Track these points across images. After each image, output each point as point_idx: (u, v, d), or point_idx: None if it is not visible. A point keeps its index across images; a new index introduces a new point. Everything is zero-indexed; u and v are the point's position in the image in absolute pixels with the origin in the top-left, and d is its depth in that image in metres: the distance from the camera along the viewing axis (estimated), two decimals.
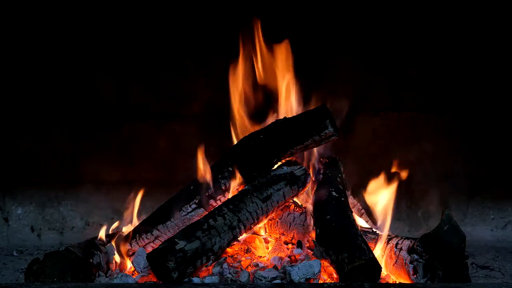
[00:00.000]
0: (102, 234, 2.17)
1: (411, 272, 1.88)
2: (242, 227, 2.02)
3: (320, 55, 2.94)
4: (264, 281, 1.85)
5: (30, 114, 3.01)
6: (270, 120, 2.33)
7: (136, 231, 2.20)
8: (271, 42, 2.46)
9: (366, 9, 2.98)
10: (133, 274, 2.05)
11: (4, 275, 2.43)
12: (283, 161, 2.28)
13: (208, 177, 2.18)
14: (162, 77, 3.03)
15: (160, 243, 2.02)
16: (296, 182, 2.21)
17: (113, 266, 2.10)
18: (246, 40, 2.49)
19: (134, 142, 3.05)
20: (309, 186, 2.28)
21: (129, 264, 2.16)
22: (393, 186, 2.26)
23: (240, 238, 2.10)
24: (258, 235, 2.25)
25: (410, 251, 1.92)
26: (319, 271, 1.87)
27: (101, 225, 2.36)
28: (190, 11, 2.97)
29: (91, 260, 1.98)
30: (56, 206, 3.08)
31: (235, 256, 2.09)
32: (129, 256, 2.16)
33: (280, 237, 2.26)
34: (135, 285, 1.86)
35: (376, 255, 1.87)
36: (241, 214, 2.02)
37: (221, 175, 2.21)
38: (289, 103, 2.42)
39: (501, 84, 3.07)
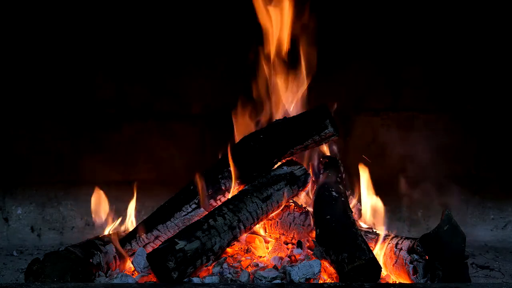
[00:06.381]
0: (103, 233, 2.17)
1: (411, 272, 1.88)
2: (242, 227, 2.02)
3: (320, 56, 2.93)
4: (264, 281, 1.85)
5: (30, 114, 3.01)
6: None
7: (136, 231, 2.20)
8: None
9: (365, 9, 2.97)
10: (133, 274, 2.05)
11: (4, 275, 2.43)
12: (283, 161, 2.28)
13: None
14: (162, 76, 3.03)
15: (160, 243, 2.02)
16: (296, 182, 2.21)
17: (113, 266, 2.10)
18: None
19: (134, 142, 3.05)
20: (309, 186, 2.28)
21: (129, 264, 2.16)
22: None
23: (240, 238, 2.10)
24: (258, 235, 2.25)
25: (410, 251, 1.92)
26: (319, 271, 1.87)
27: (101, 225, 2.36)
28: (191, 11, 2.96)
29: (91, 260, 1.98)
30: (56, 206, 3.08)
31: (235, 256, 2.09)
32: (129, 256, 2.16)
33: (280, 237, 2.25)
34: (135, 285, 1.86)
35: (376, 255, 1.87)
36: (241, 214, 2.02)
37: (221, 175, 2.21)
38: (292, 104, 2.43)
39: (500, 84, 3.07)
